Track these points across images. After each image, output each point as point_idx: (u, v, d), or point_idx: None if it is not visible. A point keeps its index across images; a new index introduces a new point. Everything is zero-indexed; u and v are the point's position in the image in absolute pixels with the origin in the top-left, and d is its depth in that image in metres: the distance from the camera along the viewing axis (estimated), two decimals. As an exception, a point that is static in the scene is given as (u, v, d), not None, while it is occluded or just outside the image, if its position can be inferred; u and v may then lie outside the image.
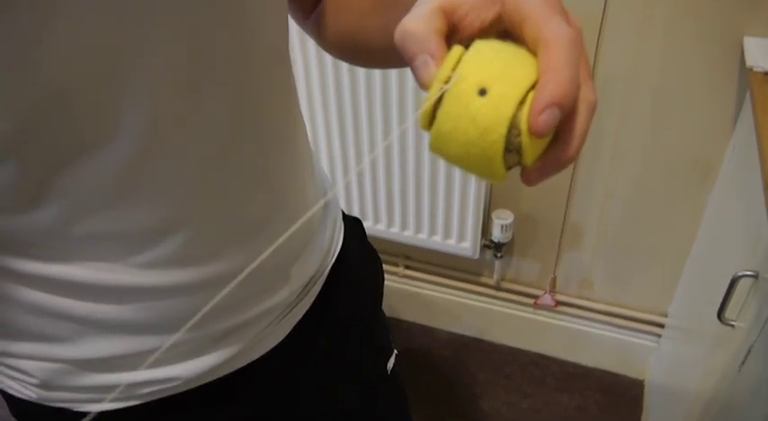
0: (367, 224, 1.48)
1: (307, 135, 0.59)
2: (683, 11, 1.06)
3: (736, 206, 1.07)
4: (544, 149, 0.34)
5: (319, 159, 0.67)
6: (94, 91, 0.36)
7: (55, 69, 0.34)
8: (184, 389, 0.54)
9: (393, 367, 0.75)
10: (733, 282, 0.87)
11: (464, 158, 0.33)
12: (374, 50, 0.55)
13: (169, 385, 0.52)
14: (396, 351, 0.77)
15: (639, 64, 1.15)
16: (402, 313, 1.81)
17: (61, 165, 0.38)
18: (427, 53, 0.33)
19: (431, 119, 0.34)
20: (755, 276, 0.85)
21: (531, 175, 0.35)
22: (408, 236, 1.48)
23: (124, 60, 0.36)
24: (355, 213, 1.48)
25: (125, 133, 0.38)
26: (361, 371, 0.71)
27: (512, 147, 0.32)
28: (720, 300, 0.89)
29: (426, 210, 1.41)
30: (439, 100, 0.33)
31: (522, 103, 0.32)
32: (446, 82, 0.33)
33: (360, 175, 1.40)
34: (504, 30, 0.35)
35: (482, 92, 0.32)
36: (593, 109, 0.34)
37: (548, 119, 0.31)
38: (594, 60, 1.16)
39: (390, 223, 1.47)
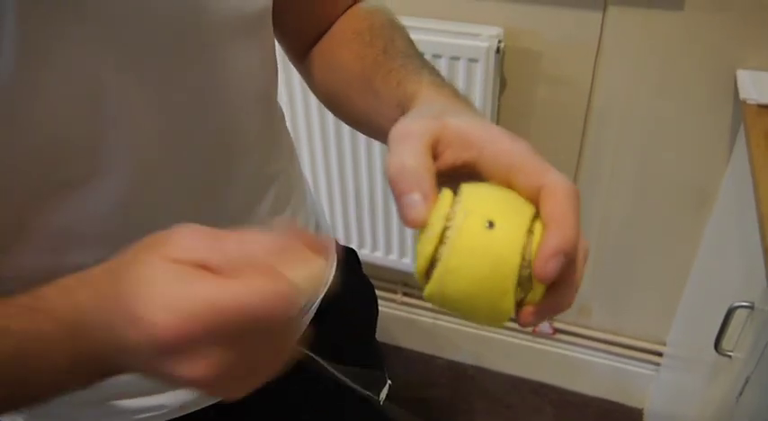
0: (364, 251, 1.48)
1: (300, 172, 0.60)
2: (677, 43, 1.07)
3: (733, 235, 1.07)
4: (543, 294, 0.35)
5: (320, 202, 0.68)
6: (79, 137, 0.37)
7: (44, 119, 0.35)
8: (179, 414, 0.55)
9: (386, 397, 0.75)
10: (729, 313, 0.87)
11: (472, 296, 0.33)
12: (353, 120, 0.55)
13: (158, 412, 0.54)
14: (389, 381, 0.76)
15: (635, 95, 1.16)
16: (400, 340, 1.80)
17: (45, 204, 0.39)
18: (421, 192, 0.33)
19: (430, 263, 0.34)
20: (751, 307, 0.85)
21: (529, 316, 0.35)
22: (406, 263, 1.48)
23: (108, 106, 0.37)
24: (353, 241, 1.49)
25: (111, 172, 0.39)
26: (353, 398, 0.70)
27: (521, 280, 0.33)
28: (717, 330, 0.89)
29: (424, 238, 1.41)
30: (438, 242, 0.33)
31: (528, 233, 0.33)
32: (448, 219, 0.33)
33: (357, 203, 1.41)
34: (467, 174, 0.36)
35: (490, 224, 0.33)
36: (587, 255, 0.36)
37: (555, 265, 0.32)
38: (590, 92, 1.18)
39: (388, 250, 1.47)
